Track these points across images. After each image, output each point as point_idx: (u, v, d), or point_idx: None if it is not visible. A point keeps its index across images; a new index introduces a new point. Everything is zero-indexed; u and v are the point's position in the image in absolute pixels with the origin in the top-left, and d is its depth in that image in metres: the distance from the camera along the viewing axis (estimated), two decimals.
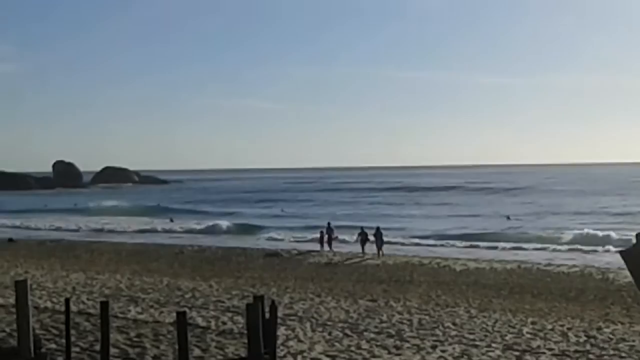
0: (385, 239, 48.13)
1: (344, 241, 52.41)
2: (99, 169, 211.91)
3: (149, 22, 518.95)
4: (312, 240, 54.73)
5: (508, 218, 77.47)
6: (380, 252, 46.25)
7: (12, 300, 16.46)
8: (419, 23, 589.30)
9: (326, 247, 49.57)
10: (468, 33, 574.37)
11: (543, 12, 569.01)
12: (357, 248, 48.16)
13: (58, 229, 72.78)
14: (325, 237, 50.51)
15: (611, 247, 46.65)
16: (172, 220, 79.02)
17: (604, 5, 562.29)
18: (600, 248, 49.04)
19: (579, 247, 50.21)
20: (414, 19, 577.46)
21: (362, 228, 49.60)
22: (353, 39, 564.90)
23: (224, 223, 70.89)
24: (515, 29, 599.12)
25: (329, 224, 52.30)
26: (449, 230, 63.46)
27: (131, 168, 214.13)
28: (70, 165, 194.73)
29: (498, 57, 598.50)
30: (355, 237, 49.77)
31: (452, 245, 53.19)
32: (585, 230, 55.94)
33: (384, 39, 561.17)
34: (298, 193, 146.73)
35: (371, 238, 48.07)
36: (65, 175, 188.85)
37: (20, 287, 10.35)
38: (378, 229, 48.18)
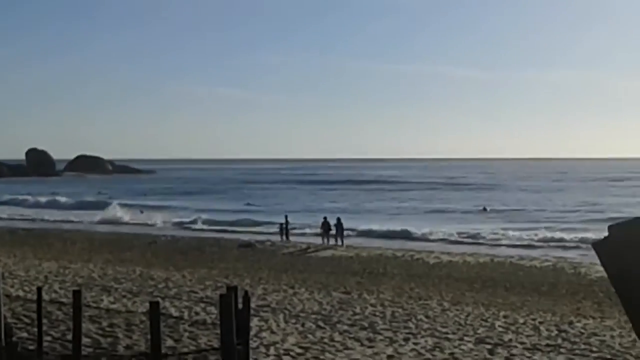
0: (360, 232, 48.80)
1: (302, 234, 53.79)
2: (73, 157, 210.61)
3: (126, 9, 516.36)
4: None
5: (485, 209, 77.67)
6: (340, 241, 47.83)
7: None
8: (405, 17, 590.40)
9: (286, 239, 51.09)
10: (454, 27, 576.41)
11: (529, 8, 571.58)
12: (316, 239, 49.53)
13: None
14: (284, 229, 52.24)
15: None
16: (142, 212, 79.07)
17: (589, 2, 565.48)
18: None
19: (552, 242, 50.47)
20: (400, 13, 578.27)
21: (325, 218, 50.54)
22: (336, 31, 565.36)
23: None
24: (503, 24, 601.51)
25: (286, 216, 53.69)
26: (423, 224, 63.50)
27: (107, 157, 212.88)
28: (43, 153, 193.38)
29: (484, 52, 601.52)
30: (319, 228, 50.77)
31: (427, 239, 53.16)
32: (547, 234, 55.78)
33: (369, 31, 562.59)
34: (270, 184, 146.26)
35: (333, 229, 49.28)
36: (38, 163, 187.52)
37: None
38: (339, 219, 49.69)
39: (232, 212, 76.66)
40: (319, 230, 50.60)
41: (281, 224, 52.99)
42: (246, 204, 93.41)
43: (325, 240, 48.58)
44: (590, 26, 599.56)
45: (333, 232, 49.00)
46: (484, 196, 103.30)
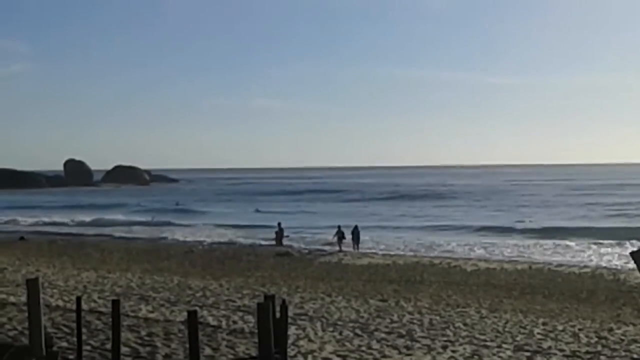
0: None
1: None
2: (110, 167, 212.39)
3: (158, 20, 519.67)
4: None
5: (522, 221, 76.09)
6: (356, 247, 49.87)
7: (23, 299, 16.51)
8: (436, 23, 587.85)
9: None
10: (470, 32, 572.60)
11: (540, 13, 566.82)
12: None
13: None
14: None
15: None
16: (153, 219, 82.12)
17: (601, 6, 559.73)
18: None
19: (592, 248, 50.13)
20: (414, 18, 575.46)
21: (339, 227, 52.72)
22: (366, 39, 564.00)
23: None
24: (514, 29, 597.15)
25: (279, 224, 56.02)
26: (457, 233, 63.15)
27: (142, 167, 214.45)
28: (81, 163, 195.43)
29: (501, 57, 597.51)
30: (333, 235, 52.78)
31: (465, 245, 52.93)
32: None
33: (384, 37, 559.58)
34: (295, 195, 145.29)
35: (348, 236, 51.32)
36: (76, 173, 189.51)
37: (32, 286, 10.38)
38: (356, 227, 51.95)
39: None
40: (333, 239, 52.41)
41: (276, 232, 54.95)
42: (255, 211, 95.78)
43: (340, 246, 50.44)
44: (620, 30, 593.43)
45: (345, 240, 51.05)
46: (521, 206, 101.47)
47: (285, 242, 54.15)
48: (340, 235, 51.27)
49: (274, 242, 54.00)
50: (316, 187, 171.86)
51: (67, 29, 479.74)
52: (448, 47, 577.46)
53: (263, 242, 54.97)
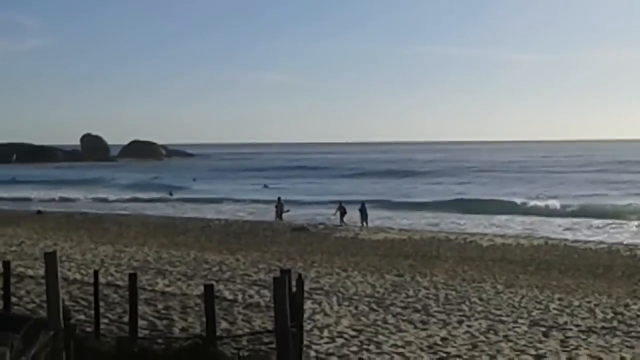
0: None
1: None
2: (127, 142, 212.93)
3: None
4: None
5: (537, 198, 75.73)
6: (364, 224, 49.66)
7: (41, 272, 16.58)
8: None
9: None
10: (487, 8, 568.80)
11: None
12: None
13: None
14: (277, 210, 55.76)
15: None
16: (171, 194, 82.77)
17: None
18: None
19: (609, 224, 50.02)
20: None
21: (340, 202, 53.95)
22: (364, 14, 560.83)
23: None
24: (539, 4, 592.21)
25: (279, 198, 57.31)
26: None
27: (159, 142, 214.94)
28: (98, 138, 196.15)
29: (519, 33, 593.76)
30: (335, 210, 53.32)
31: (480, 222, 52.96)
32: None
33: (399, 14, 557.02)
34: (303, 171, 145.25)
35: (351, 212, 51.81)
36: (93, 148, 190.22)
37: (50, 259, 10.41)
38: (363, 204, 52.36)
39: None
40: (335, 214, 52.63)
41: (275, 206, 55.76)
42: (264, 187, 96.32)
43: (342, 221, 51.05)
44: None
45: (347, 214, 51.53)
46: (538, 183, 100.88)
47: (285, 216, 54.51)
48: (342, 211, 51.68)
49: (274, 217, 54.40)
50: (326, 163, 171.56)
51: (82, 4, 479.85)
52: (460, 24, 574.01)
53: (267, 218, 55.03)
